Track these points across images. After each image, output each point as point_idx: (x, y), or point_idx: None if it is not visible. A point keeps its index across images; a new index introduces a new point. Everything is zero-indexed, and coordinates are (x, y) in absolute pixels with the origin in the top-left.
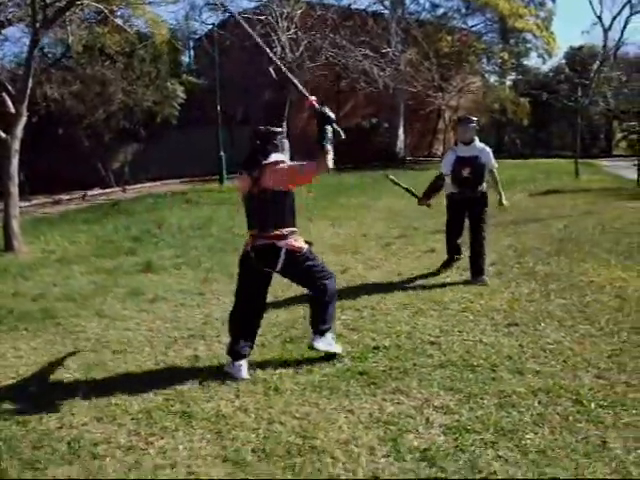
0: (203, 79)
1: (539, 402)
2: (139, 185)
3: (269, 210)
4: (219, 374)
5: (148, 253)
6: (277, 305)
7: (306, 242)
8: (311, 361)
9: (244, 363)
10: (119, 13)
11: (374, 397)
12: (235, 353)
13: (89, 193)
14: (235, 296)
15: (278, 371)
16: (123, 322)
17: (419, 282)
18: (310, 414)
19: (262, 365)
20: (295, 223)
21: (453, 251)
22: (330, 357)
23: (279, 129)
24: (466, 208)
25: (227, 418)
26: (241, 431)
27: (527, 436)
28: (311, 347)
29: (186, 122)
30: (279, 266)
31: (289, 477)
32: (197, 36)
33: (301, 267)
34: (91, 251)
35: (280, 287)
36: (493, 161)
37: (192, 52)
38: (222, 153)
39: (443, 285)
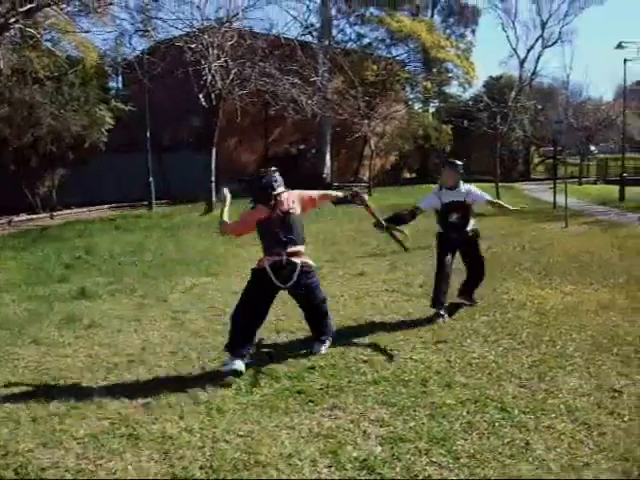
0: (132, 105)
1: (467, 411)
2: (67, 211)
3: (288, 230)
4: (162, 397)
5: (81, 280)
6: (212, 330)
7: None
8: (251, 382)
9: (243, 362)
10: (49, 37)
11: (313, 414)
12: (239, 355)
13: (15, 219)
14: (241, 309)
15: (220, 392)
16: (61, 349)
17: (350, 304)
18: (253, 432)
19: (204, 387)
20: (304, 242)
21: (439, 301)
22: (269, 377)
23: (274, 168)
24: (457, 247)
25: (173, 438)
26: (188, 450)
27: (458, 442)
28: (316, 353)
29: (114, 148)
30: (293, 281)
31: None
32: (126, 62)
33: (310, 282)
34: (22, 279)
35: (215, 312)
36: (484, 196)
37: (121, 78)
38: (151, 179)
39: (373, 306)
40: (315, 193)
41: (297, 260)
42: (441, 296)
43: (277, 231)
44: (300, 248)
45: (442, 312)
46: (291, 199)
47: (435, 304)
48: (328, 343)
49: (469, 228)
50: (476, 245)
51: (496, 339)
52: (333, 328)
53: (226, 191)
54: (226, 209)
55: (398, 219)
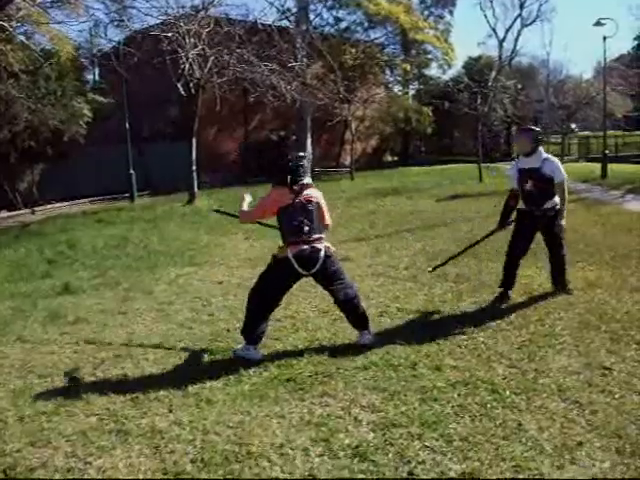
0: (110, 96)
1: (458, 394)
2: (48, 206)
3: (312, 217)
4: (150, 391)
5: (65, 275)
6: (200, 321)
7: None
8: (239, 372)
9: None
10: (22, 30)
11: (303, 402)
12: (256, 339)
13: None
14: (259, 293)
15: (208, 384)
16: (46, 346)
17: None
18: (243, 422)
19: (192, 379)
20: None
21: (509, 279)
22: (258, 366)
23: (303, 154)
24: (535, 225)
25: (163, 432)
26: (178, 444)
27: (450, 426)
28: (364, 345)
29: (94, 141)
30: (317, 267)
31: None
32: (102, 53)
33: (333, 268)
34: (4, 276)
35: (200, 302)
36: (560, 173)
37: (98, 69)
38: (132, 171)
39: (359, 291)
40: (327, 214)
41: (320, 246)
42: (505, 278)
43: (300, 218)
44: (322, 235)
45: (506, 292)
46: (314, 193)
47: (502, 284)
48: (371, 331)
49: (548, 205)
50: (554, 225)
51: (485, 320)
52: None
53: (247, 196)
54: (245, 204)
55: (508, 213)
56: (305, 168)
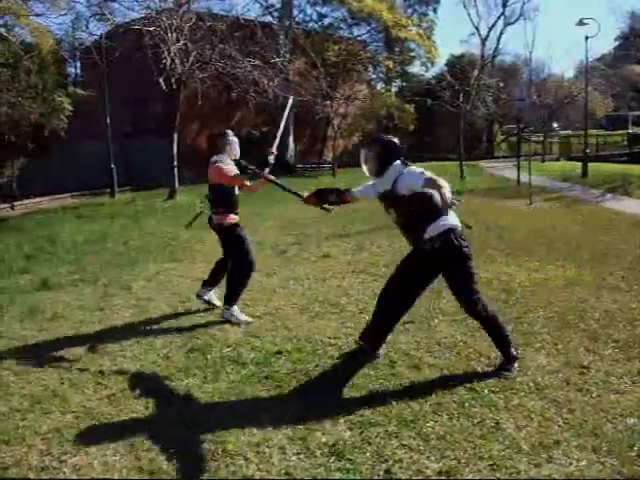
0: (91, 90)
1: (436, 393)
2: (28, 200)
3: None
4: (127, 388)
5: (43, 270)
6: (177, 316)
7: None
8: (217, 369)
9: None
10: (1, 22)
11: (280, 400)
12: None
13: None
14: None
15: (185, 381)
16: (23, 342)
17: (315, 287)
18: (220, 420)
19: (169, 376)
20: None
21: (382, 338)
22: (235, 363)
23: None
24: (428, 265)
25: (139, 431)
26: (154, 442)
27: (427, 424)
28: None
29: (74, 135)
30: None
31: None
32: (84, 46)
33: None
34: None
35: (179, 298)
36: (417, 179)
37: (79, 63)
38: (113, 166)
39: (338, 288)
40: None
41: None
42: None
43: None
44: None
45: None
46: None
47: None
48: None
49: (426, 235)
50: (459, 264)
51: (463, 318)
52: None
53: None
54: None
55: (330, 195)
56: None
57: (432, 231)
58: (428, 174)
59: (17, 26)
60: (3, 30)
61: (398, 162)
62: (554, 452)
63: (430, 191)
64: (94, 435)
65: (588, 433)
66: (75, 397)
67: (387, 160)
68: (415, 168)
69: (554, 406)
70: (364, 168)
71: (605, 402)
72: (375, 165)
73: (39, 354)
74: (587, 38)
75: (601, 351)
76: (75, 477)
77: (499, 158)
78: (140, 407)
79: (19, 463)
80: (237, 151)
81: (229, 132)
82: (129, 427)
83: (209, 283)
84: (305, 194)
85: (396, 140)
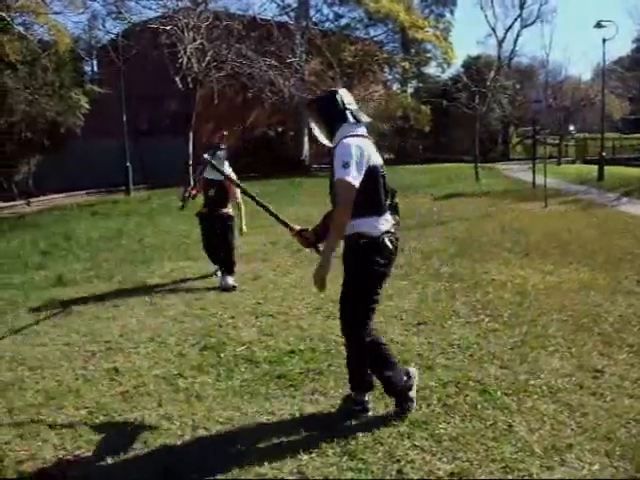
0: (108, 89)
1: (449, 394)
2: (44, 197)
3: None
4: (140, 385)
5: (58, 267)
6: (191, 315)
7: None
8: (230, 367)
9: None
10: (20, 20)
11: (293, 399)
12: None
13: None
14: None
15: (199, 379)
16: (38, 338)
17: (329, 286)
18: (233, 418)
19: (182, 374)
20: None
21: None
22: (249, 361)
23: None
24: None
25: (152, 427)
26: (167, 438)
27: (440, 426)
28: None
29: (90, 132)
30: None
31: (218, 478)
32: (101, 45)
33: None
34: None
35: (193, 296)
36: (339, 165)
37: (96, 61)
38: (128, 164)
39: None
40: None
41: None
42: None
43: None
44: None
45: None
46: None
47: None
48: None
49: (351, 230)
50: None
51: (477, 320)
52: None
53: None
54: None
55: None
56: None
57: (351, 228)
58: (349, 170)
59: (35, 24)
60: (21, 28)
61: (345, 124)
62: (567, 455)
63: (343, 178)
64: (107, 431)
65: (601, 437)
66: (89, 393)
67: (329, 121)
68: (350, 144)
69: (567, 409)
70: (320, 138)
71: (619, 406)
72: (322, 129)
73: (53, 350)
74: (605, 40)
75: (615, 355)
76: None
77: (514, 160)
78: (153, 404)
79: (34, 457)
80: None
81: None
82: (142, 423)
83: None
84: (296, 228)
85: (340, 92)
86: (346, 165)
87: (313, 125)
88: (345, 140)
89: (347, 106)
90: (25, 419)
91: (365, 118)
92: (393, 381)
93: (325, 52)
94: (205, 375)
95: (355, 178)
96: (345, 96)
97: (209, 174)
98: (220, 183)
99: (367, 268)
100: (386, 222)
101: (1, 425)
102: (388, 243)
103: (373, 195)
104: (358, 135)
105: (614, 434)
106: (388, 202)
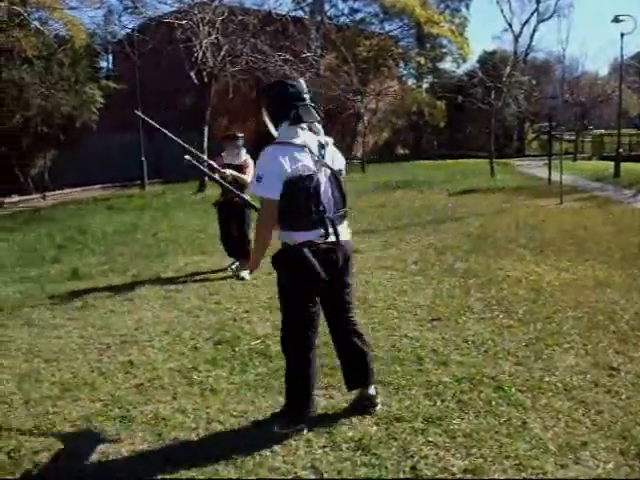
0: (123, 83)
1: (463, 390)
2: (59, 191)
3: None
4: (155, 378)
5: (74, 260)
6: (205, 309)
7: None
8: (244, 361)
9: None
10: (36, 15)
11: None
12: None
13: (7, 200)
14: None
15: (213, 373)
16: (53, 330)
17: None
18: (247, 412)
19: (197, 368)
20: None
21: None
22: (263, 356)
23: None
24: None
25: (166, 420)
26: (181, 432)
27: (454, 422)
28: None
29: (106, 127)
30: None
31: (232, 472)
32: (116, 40)
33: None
34: (14, 260)
35: (208, 291)
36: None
37: (111, 56)
38: (143, 158)
39: (367, 283)
40: None
41: None
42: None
43: None
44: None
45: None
46: None
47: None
48: None
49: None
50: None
51: (491, 316)
52: None
53: None
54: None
55: None
56: None
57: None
58: (262, 185)
59: (51, 19)
60: (38, 23)
61: (285, 124)
62: (581, 453)
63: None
64: (122, 423)
65: (616, 435)
66: (104, 385)
67: (273, 115)
68: (266, 154)
69: (582, 407)
70: (269, 127)
71: (635, 404)
72: (270, 120)
73: (69, 342)
74: (622, 35)
75: (631, 353)
76: (102, 464)
77: (530, 156)
78: (168, 397)
79: (49, 448)
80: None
81: None
82: (156, 417)
83: None
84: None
85: (296, 84)
86: (259, 179)
87: (264, 111)
88: (267, 148)
89: (295, 102)
90: (41, 411)
91: (311, 117)
92: (293, 405)
93: (340, 47)
94: (219, 369)
95: (269, 191)
96: (299, 90)
97: (226, 159)
98: (236, 167)
99: (288, 281)
100: (311, 234)
101: (18, 416)
102: (308, 255)
103: (297, 206)
104: (284, 143)
105: (629, 432)
106: (334, 211)
